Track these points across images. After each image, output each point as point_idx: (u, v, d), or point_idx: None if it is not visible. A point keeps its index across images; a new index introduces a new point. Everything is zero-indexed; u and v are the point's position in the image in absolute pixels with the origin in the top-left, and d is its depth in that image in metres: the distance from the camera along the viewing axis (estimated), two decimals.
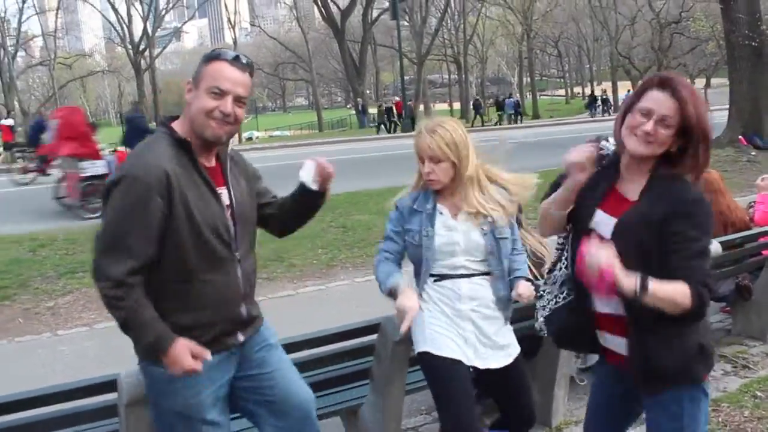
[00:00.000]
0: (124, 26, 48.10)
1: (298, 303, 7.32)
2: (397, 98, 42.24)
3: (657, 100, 2.32)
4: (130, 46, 47.30)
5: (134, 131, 13.52)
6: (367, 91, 58.24)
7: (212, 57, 2.53)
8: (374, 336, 3.44)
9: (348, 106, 68.54)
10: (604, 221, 2.47)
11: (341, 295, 7.51)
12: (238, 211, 2.60)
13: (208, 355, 2.44)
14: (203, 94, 2.48)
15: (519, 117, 44.05)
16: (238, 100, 2.51)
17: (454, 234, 3.12)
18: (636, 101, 2.38)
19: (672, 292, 2.23)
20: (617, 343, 2.54)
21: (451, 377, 3.07)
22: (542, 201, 2.73)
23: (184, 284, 2.48)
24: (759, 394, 4.57)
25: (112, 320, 6.83)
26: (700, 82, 64.27)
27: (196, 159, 2.50)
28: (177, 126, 2.57)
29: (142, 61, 46.77)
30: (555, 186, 2.72)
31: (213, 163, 2.61)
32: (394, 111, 37.34)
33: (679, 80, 2.35)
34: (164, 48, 61.46)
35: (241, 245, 2.61)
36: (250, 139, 45.87)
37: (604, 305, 2.53)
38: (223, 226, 2.53)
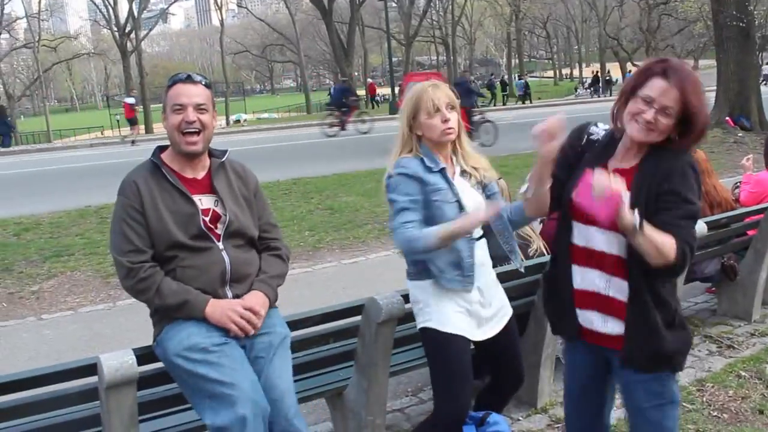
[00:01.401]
0: (110, 8, 47.51)
1: (284, 285, 7.26)
2: (370, 80, 42.68)
3: (659, 89, 2.33)
4: (115, 28, 46.69)
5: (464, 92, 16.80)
6: (355, 73, 57.96)
7: (169, 84, 2.95)
8: (359, 317, 3.41)
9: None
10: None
11: (328, 277, 7.48)
12: (225, 214, 2.92)
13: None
14: (170, 114, 2.90)
15: (528, 98, 44.53)
16: (198, 107, 2.89)
17: (465, 194, 3.06)
18: (637, 86, 2.38)
19: (661, 240, 2.27)
20: (597, 321, 2.55)
21: (454, 357, 3.04)
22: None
23: (171, 267, 2.86)
24: (743, 373, 4.59)
25: (96, 304, 6.83)
26: (688, 64, 64.31)
27: (165, 174, 2.89)
28: (168, 150, 3.00)
29: (129, 44, 46.17)
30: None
31: (201, 175, 2.99)
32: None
33: (682, 69, 2.36)
34: (150, 30, 60.71)
35: (228, 240, 2.92)
36: (237, 121, 45.69)
37: (585, 281, 2.53)
38: (194, 223, 2.86)
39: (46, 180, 15.49)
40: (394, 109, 33.91)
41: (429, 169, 3.00)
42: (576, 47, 79.82)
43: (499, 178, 3.41)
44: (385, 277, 6.93)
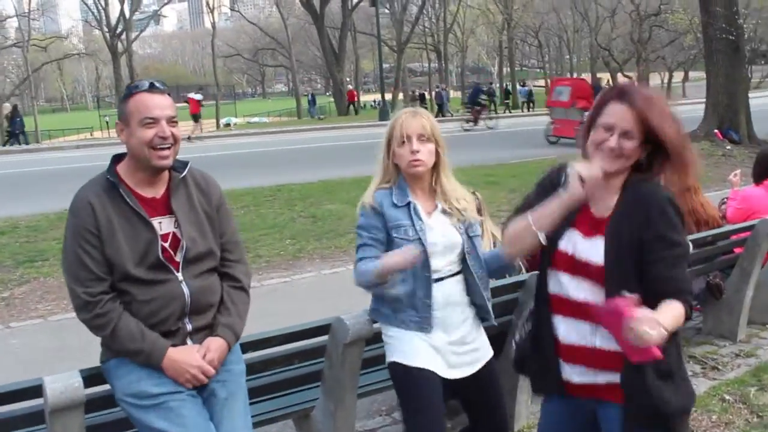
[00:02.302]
0: (101, 8, 47.25)
1: (262, 296, 7.12)
2: (350, 87, 43.78)
3: (617, 114, 2.26)
4: (106, 29, 46.42)
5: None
6: (347, 79, 57.89)
7: (130, 93, 2.66)
8: (325, 337, 3.25)
9: (327, 94, 68.27)
10: (578, 241, 2.36)
11: (307, 288, 7.34)
12: (185, 237, 2.66)
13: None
14: (138, 128, 2.60)
15: (532, 105, 45.47)
16: (171, 120, 2.65)
17: (432, 233, 2.93)
18: (596, 116, 2.32)
19: (675, 317, 2.14)
20: (583, 375, 2.38)
21: (422, 391, 2.91)
22: (514, 215, 2.54)
23: (126, 299, 2.60)
24: (727, 397, 4.46)
25: (67, 312, 6.58)
26: (678, 76, 64.78)
27: (123, 194, 2.61)
28: (124, 163, 2.70)
29: (120, 45, 45.95)
30: (526, 202, 2.52)
31: (160, 192, 2.70)
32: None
33: (635, 90, 2.29)
34: (142, 31, 60.42)
35: (188, 268, 2.67)
36: (228, 125, 45.43)
37: (570, 334, 2.38)
38: (152, 252, 2.60)
39: (28, 181, 15.28)
40: (384, 116, 33.83)
41: (394, 205, 2.92)
42: (567, 57, 79.95)
43: (473, 192, 3.28)
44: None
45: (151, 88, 2.65)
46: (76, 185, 2.76)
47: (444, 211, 2.98)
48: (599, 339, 2.32)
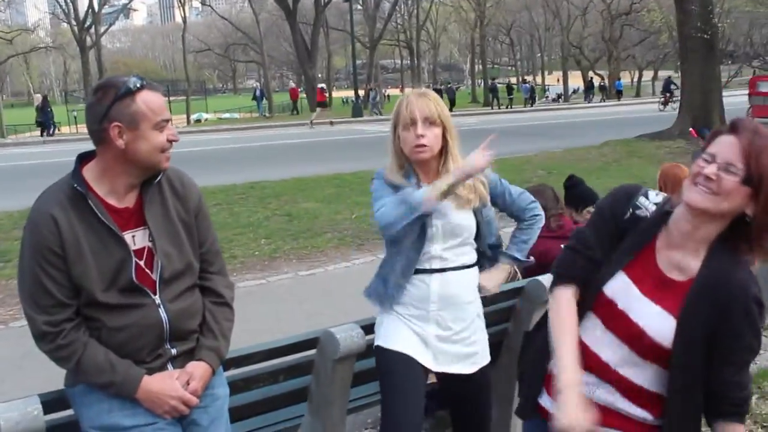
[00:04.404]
0: (69, 1, 46.27)
1: (237, 298, 6.74)
2: (293, 84, 44.90)
3: (723, 143, 1.89)
4: (74, 22, 45.47)
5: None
6: (319, 75, 57.49)
7: (134, 90, 2.23)
8: (313, 351, 2.99)
9: (299, 90, 67.87)
10: (634, 299, 2.03)
11: (284, 290, 7.06)
12: (159, 254, 2.32)
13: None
14: (150, 132, 2.25)
15: (533, 101, 47.77)
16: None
17: (435, 217, 2.75)
18: (702, 150, 1.96)
19: None
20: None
21: (401, 377, 2.77)
22: (567, 262, 2.19)
23: (96, 326, 2.28)
24: None
25: None
26: (648, 74, 65.33)
27: (92, 206, 2.24)
28: (92, 167, 2.31)
29: (88, 39, 45.02)
30: (581, 240, 2.17)
31: (133, 200, 2.34)
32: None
33: (755, 126, 1.92)
34: (111, 25, 59.28)
35: (165, 289, 2.34)
36: (198, 121, 44.84)
37: (605, 346, 2.10)
38: (125, 274, 2.26)
39: None
40: (357, 112, 33.56)
41: (396, 185, 2.77)
42: (539, 55, 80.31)
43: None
44: (345, 291, 6.54)
45: (152, 85, 2.30)
46: (41, 182, 2.45)
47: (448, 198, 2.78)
48: (602, 392, 2.08)
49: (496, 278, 2.99)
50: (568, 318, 2.08)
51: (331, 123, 29.73)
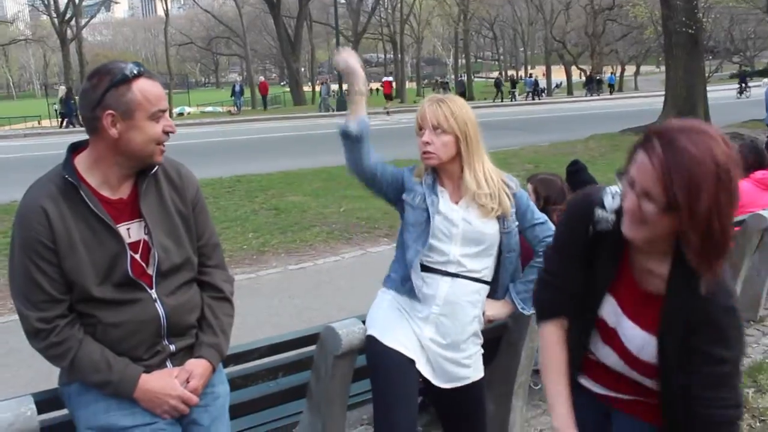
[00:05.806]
0: None
1: None
2: (262, 78, 45.87)
3: (639, 166, 1.69)
4: (55, 15, 44.88)
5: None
6: (302, 69, 57.21)
7: (130, 77, 2.13)
8: (310, 348, 2.92)
9: (282, 83, 67.60)
10: (623, 323, 1.98)
11: (273, 285, 6.96)
12: (156, 247, 2.23)
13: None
14: (146, 122, 2.15)
15: (536, 95, 48.77)
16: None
17: (453, 215, 2.73)
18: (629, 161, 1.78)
19: None
20: (602, 389, 2.16)
21: (393, 372, 2.70)
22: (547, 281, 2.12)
23: (90, 322, 2.19)
24: None
25: (14, 314, 5.97)
26: (630, 69, 65.66)
27: (84, 197, 2.14)
28: (83, 157, 2.21)
29: (69, 31, 44.43)
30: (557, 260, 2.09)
31: (127, 191, 2.24)
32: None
33: (665, 135, 1.67)
34: (92, 17, 58.53)
35: (162, 283, 2.26)
36: (181, 114, 44.52)
37: (606, 357, 2.09)
38: (120, 268, 2.17)
39: None
40: (341, 106, 33.44)
41: (414, 182, 2.85)
42: (522, 49, 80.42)
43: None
44: (335, 285, 6.51)
45: (147, 73, 2.19)
46: (23, 176, 2.35)
47: (472, 201, 2.76)
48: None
49: (500, 311, 2.94)
50: (555, 357, 2.09)
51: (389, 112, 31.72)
